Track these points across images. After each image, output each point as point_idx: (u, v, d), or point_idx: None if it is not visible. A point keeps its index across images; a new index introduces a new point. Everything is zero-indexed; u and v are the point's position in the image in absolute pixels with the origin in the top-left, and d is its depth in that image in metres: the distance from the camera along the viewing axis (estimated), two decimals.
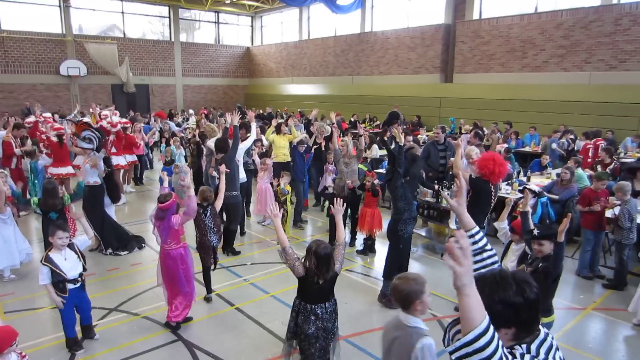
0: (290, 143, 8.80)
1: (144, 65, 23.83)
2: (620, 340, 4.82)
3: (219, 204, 5.41)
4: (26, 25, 20.18)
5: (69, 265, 4.19)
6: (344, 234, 3.67)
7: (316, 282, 3.34)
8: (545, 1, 15.33)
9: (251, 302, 5.40)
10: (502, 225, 4.49)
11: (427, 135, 13.90)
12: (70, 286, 4.18)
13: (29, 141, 9.38)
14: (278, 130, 8.94)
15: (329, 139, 8.71)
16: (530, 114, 14.56)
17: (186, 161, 10.03)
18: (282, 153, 8.83)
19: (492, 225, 5.18)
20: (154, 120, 15.78)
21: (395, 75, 19.57)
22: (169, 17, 24.66)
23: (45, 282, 4.12)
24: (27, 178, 8.84)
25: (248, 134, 7.96)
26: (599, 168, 8.46)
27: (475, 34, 16.72)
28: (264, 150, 9.28)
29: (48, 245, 4.78)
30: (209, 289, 5.43)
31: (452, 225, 6.71)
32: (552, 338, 1.79)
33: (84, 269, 4.36)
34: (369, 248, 6.98)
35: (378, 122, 17.58)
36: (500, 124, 13.76)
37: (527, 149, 12.69)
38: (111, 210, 7.36)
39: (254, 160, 8.22)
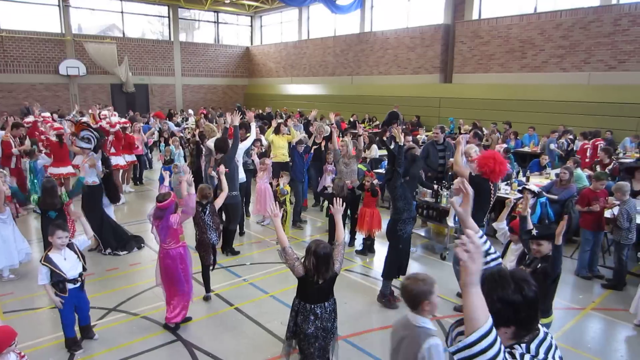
0: (289, 143, 8.80)
1: (144, 65, 23.82)
2: (620, 340, 4.83)
3: (219, 203, 5.42)
4: (25, 24, 20.16)
5: (69, 265, 4.18)
6: (343, 233, 3.68)
7: (316, 281, 3.34)
8: (544, 1, 15.35)
9: (250, 302, 5.39)
10: (501, 225, 4.49)
11: (426, 136, 13.91)
12: (70, 286, 4.18)
13: (27, 141, 9.38)
14: (277, 130, 8.95)
15: (328, 139, 8.71)
16: (529, 114, 14.57)
17: (185, 161, 10.02)
18: (281, 153, 8.85)
19: (491, 225, 5.18)
20: (153, 120, 15.78)
21: (395, 75, 19.58)
22: (169, 17, 24.65)
23: (45, 282, 4.12)
24: (26, 177, 8.83)
25: (248, 134, 7.96)
26: (598, 168, 8.47)
27: (475, 34, 16.73)
28: (263, 150, 9.28)
29: (47, 245, 4.79)
30: (207, 288, 5.43)
31: (450, 222, 6.72)
32: (552, 337, 1.79)
33: (84, 269, 4.36)
34: (368, 248, 6.98)
35: (377, 122, 17.58)
36: (499, 124, 13.77)
37: (526, 149, 12.71)
38: (110, 210, 7.35)
39: (253, 161, 8.22)
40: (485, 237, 2.16)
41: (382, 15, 20.40)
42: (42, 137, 9.60)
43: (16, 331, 3.00)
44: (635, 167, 7.23)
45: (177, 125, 16.51)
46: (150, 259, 6.54)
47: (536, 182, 8.10)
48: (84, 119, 9.36)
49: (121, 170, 10.15)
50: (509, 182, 7.87)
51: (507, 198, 5.27)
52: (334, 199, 3.78)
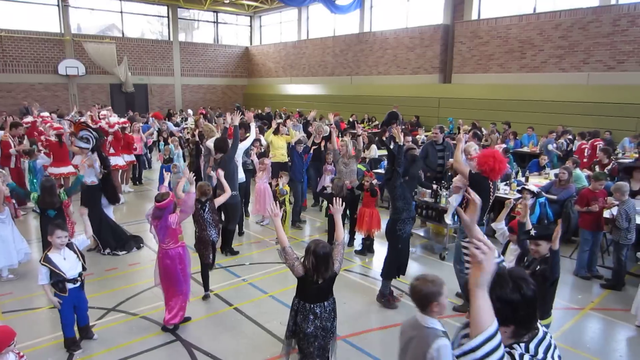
0: (289, 143, 8.80)
1: (143, 64, 23.81)
2: (619, 340, 4.84)
3: (220, 201, 5.42)
4: (24, 24, 20.13)
5: (68, 265, 4.18)
6: (343, 233, 3.68)
7: (315, 281, 3.34)
8: (543, 2, 15.36)
9: (250, 302, 5.39)
10: (500, 226, 4.49)
11: (425, 136, 13.91)
12: (69, 286, 4.17)
13: (26, 140, 9.37)
14: (276, 131, 8.96)
15: (327, 139, 8.71)
16: (528, 115, 14.58)
17: (185, 161, 10.01)
18: (280, 153, 8.86)
19: (490, 225, 5.18)
20: (152, 120, 15.76)
21: (394, 75, 19.58)
22: (168, 17, 24.64)
23: (44, 282, 4.12)
24: (25, 177, 8.82)
25: (247, 134, 7.96)
26: (597, 168, 8.48)
27: (474, 34, 16.74)
28: (263, 150, 9.29)
29: (47, 245, 4.78)
30: (206, 287, 5.43)
31: (448, 220, 6.72)
32: (551, 337, 1.80)
33: (84, 269, 4.36)
34: (367, 248, 6.98)
35: (376, 122, 17.58)
36: (498, 124, 13.78)
37: (525, 149, 12.71)
38: (109, 210, 7.34)
39: (252, 161, 8.22)
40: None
41: (381, 15, 20.40)
42: (42, 137, 9.59)
43: (15, 331, 3.00)
44: (634, 167, 7.24)
45: (176, 125, 16.51)
46: (150, 259, 6.53)
47: (535, 182, 8.11)
48: (83, 119, 9.35)
49: (120, 171, 10.14)
50: (508, 182, 7.88)
51: (507, 198, 5.27)
52: (334, 199, 3.79)
